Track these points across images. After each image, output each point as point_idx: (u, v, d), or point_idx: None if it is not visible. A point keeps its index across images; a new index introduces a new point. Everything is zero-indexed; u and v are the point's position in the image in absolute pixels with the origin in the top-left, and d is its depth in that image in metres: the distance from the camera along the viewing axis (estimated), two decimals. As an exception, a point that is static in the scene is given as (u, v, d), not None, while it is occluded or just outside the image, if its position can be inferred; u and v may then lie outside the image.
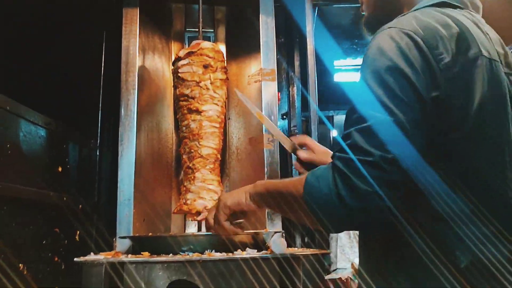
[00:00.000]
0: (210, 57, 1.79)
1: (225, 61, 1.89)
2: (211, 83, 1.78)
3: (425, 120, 0.80)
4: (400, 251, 0.85)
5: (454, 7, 0.95)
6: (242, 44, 1.99)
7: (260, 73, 1.80)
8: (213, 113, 1.78)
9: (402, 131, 0.78)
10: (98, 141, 1.86)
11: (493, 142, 0.86)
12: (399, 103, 0.79)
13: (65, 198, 1.51)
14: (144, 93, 1.76)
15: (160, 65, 1.94)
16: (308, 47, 2.09)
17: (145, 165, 1.73)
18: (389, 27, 0.87)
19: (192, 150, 1.76)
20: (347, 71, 2.82)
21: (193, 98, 1.77)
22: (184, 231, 1.87)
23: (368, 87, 0.81)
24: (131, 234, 1.54)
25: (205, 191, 1.68)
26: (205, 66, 1.79)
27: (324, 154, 1.31)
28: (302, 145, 1.32)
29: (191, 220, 1.85)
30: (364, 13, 1.12)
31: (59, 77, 1.78)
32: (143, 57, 1.80)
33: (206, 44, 1.80)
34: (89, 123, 1.83)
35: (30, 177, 1.31)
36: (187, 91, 1.77)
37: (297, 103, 2.37)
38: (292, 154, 1.34)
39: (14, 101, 1.24)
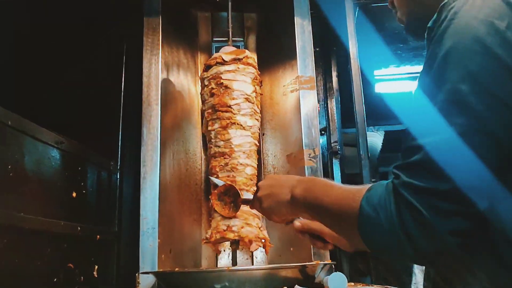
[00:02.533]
0: (255, 68, 1.62)
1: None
2: (255, 96, 1.60)
3: None
4: None
5: None
6: (275, 53, 1.80)
7: (297, 81, 1.60)
8: (256, 130, 1.60)
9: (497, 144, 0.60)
10: (119, 163, 1.67)
11: None
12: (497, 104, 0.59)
13: (79, 228, 1.31)
14: (169, 110, 1.59)
15: (184, 79, 1.76)
16: (351, 50, 1.88)
17: (171, 189, 1.54)
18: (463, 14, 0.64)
19: (234, 169, 1.54)
20: (389, 81, 2.58)
21: (238, 110, 1.56)
22: (216, 264, 1.64)
23: (450, 83, 0.61)
24: (156, 268, 1.35)
25: (251, 217, 1.46)
26: (252, 77, 1.60)
27: None
28: None
29: (223, 251, 1.62)
30: (401, 21, 0.91)
31: (74, 91, 1.62)
32: (167, 70, 1.64)
33: (250, 54, 1.64)
34: (108, 143, 1.66)
35: (36, 203, 1.12)
36: (231, 102, 1.56)
37: (337, 117, 2.14)
38: None
39: (17, 115, 1.07)
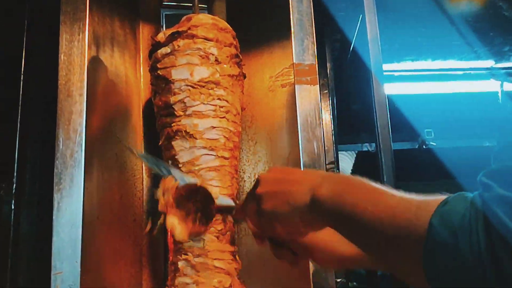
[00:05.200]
0: (209, 39, 1.50)
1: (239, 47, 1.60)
2: (213, 83, 1.48)
3: None
4: None
5: None
6: (256, 29, 1.74)
7: (292, 71, 1.54)
8: (217, 135, 1.46)
9: None
10: (14, 185, 1.51)
11: None
12: None
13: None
14: (97, 105, 1.47)
15: (120, 60, 1.65)
16: (369, 34, 1.84)
17: (100, 228, 1.41)
18: None
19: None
20: (403, 80, 2.58)
21: (183, 110, 1.46)
22: None
23: None
24: None
25: (208, 272, 1.35)
26: (203, 56, 1.49)
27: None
28: None
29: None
30: None
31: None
32: (96, 46, 1.52)
33: (202, 19, 1.52)
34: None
35: None
36: (171, 99, 1.47)
37: (333, 128, 2.09)
38: None
39: None
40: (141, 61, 1.73)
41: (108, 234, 1.45)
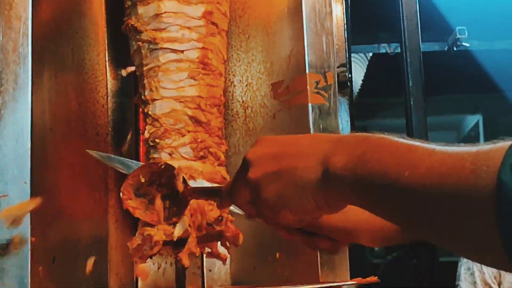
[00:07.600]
0: None
1: None
2: None
3: None
4: None
5: None
6: None
7: None
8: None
9: None
10: None
11: None
12: None
13: None
14: None
15: None
16: None
17: (53, 142, 1.43)
18: None
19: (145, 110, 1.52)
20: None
21: None
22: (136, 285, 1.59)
23: None
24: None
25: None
26: None
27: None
28: None
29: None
30: None
31: None
32: None
33: None
34: None
35: None
36: None
37: (345, 21, 2.02)
38: None
39: None
40: None
41: (64, 149, 1.47)
